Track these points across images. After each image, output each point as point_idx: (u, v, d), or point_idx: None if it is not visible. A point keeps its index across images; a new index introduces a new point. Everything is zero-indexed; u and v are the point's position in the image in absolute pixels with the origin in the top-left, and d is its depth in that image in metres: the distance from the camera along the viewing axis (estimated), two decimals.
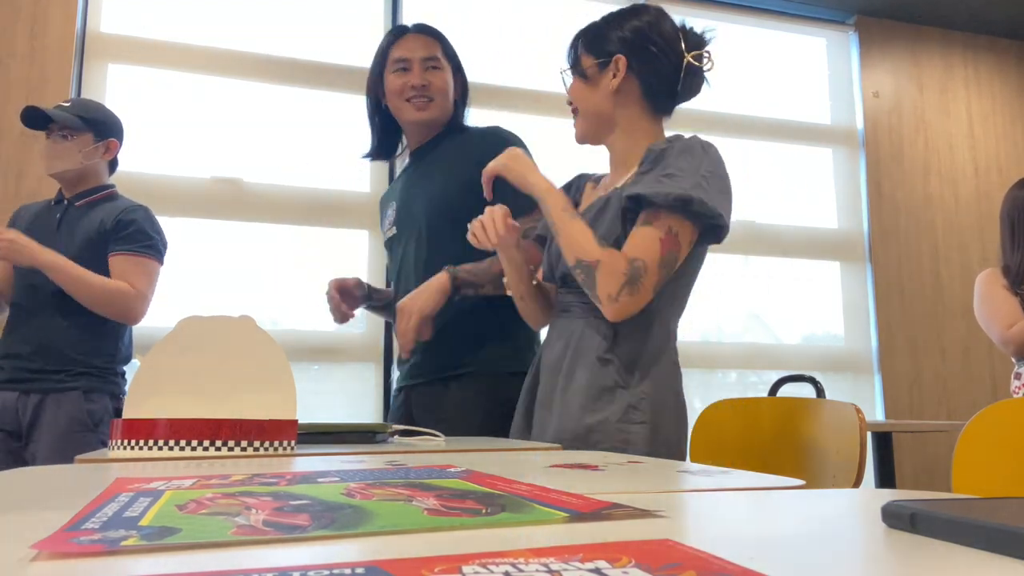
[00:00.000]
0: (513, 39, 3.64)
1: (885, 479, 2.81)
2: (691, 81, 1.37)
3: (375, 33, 3.47)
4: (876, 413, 3.94)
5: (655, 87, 1.36)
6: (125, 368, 2.10)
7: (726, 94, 3.92)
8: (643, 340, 1.29)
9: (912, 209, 4.16)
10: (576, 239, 1.25)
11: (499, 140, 1.69)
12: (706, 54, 1.37)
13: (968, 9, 4.21)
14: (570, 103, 1.43)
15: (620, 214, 1.27)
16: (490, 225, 1.36)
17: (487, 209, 1.39)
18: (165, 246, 2.11)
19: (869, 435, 2.51)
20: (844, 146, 4.18)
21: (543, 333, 1.71)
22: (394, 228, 1.79)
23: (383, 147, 1.87)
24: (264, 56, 3.28)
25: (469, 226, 1.41)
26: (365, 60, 3.46)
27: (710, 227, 1.26)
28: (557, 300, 1.44)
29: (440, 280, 1.57)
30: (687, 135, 1.32)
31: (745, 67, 4.03)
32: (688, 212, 1.22)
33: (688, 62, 1.34)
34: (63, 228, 2.03)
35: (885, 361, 3.96)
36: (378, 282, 3.23)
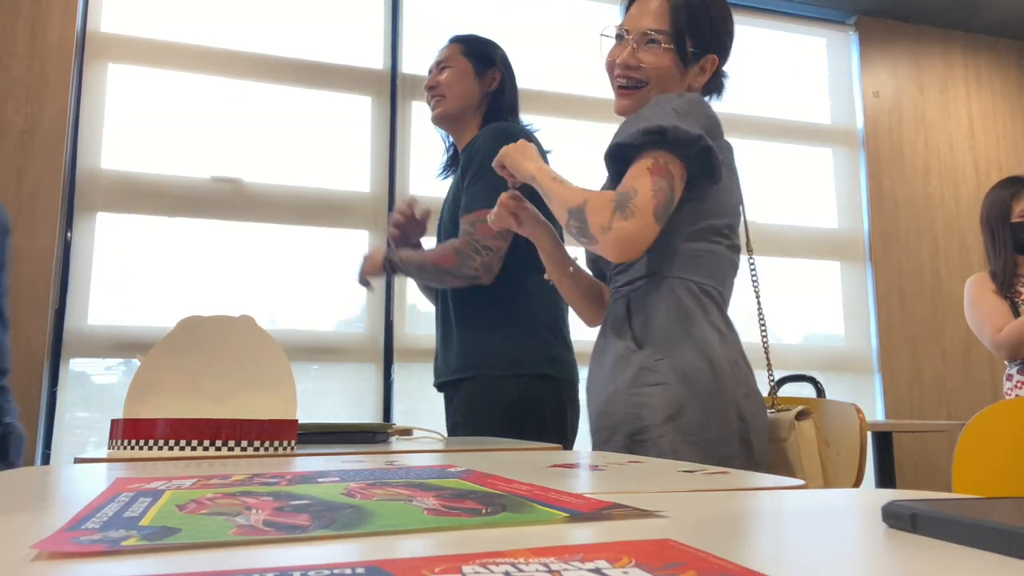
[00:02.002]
0: (514, 39, 3.64)
1: (885, 479, 2.81)
2: (720, 81, 1.41)
3: (375, 33, 3.48)
4: (876, 413, 3.94)
5: (709, 88, 1.38)
6: (5, 382, 1.82)
7: (726, 94, 3.92)
8: (659, 303, 1.23)
9: (912, 209, 4.16)
10: (561, 195, 1.20)
11: (496, 134, 1.74)
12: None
13: (968, 9, 4.21)
14: (632, 67, 1.31)
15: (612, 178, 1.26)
16: (497, 207, 1.37)
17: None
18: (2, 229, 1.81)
19: (869, 435, 2.51)
20: (844, 146, 4.18)
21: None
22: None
23: (449, 161, 1.98)
24: (264, 56, 3.28)
25: (487, 216, 1.42)
26: (365, 60, 3.49)
27: (701, 163, 1.19)
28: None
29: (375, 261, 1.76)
30: None
31: (745, 67, 4.03)
32: (668, 144, 1.16)
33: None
34: None
35: (885, 361, 3.96)
36: (377, 284, 3.23)
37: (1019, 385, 2.31)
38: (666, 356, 1.19)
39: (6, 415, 1.77)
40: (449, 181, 1.94)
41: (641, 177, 1.16)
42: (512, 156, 1.32)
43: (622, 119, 1.32)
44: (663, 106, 1.21)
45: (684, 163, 1.19)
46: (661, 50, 1.29)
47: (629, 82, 1.31)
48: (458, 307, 1.72)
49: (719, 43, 1.33)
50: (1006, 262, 2.34)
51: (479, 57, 1.85)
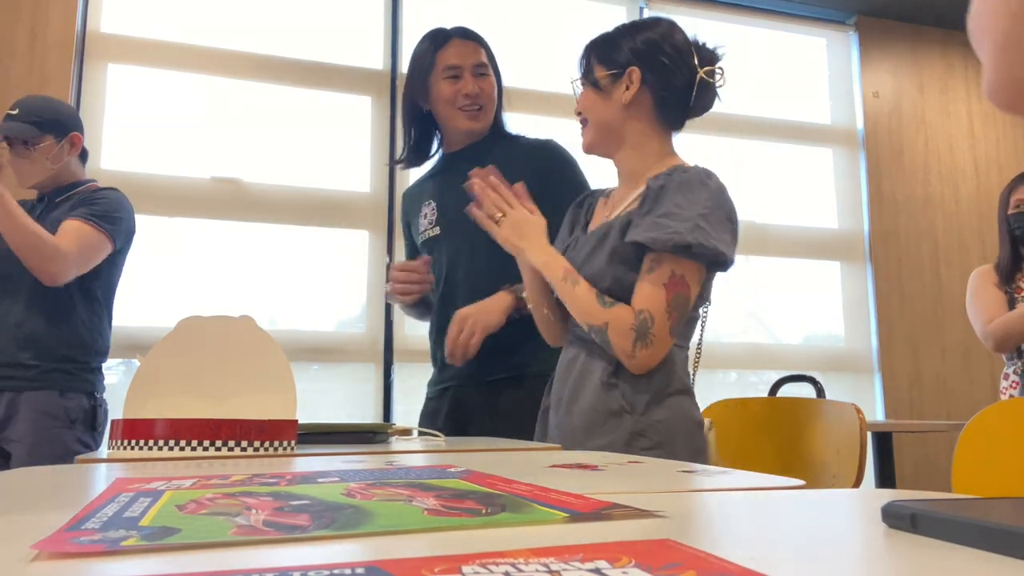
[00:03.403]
0: (514, 39, 3.64)
1: (885, 479, 2.81)
2: (704, 96, 1.36)
3: (375, 33, 3.48)
4: (876, 413, 3.94)
5: (668, 101, 1.34)
6: (103, 365, 2.04)
7: (726, 94, 3.91)
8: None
9: (912, 209, 4.16)
10: (582, 306, 1.26)
11: (550, 153, 1.72)
12: (719, 70, 1.35)
13: (968, 9, 4.20)
14: (579, 113, 1.41)
15: (611, 255, 1.28)
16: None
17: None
18: (129, 232, 2.02)
19: (869, 435, 2.51)
20: (844, 146, 4.18)
21: None
22: (437, 228, 1.77)
23: (417, 153, 1.85)
24: (264, 56, 3.28)
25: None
26: (365, 60, 3.49)
27: (715, 261, 1.26)
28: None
29: (505, 300, 1.60)
30: (689, 165, 1.31)
31: (745, 67, 4.03)
32: (689, 254, 1.21)
33: (701, 77, 1.33)
34: (41, 220, 1.94)
35: (885, 361, 3.96)
36: (378, 284, 3.23)
37: (1014, 385, 2.32)
38: (657, 422, 1.24)
39: (98, 391, 2.01)
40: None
41: (656, 296, 1.22)
42: (515, 247, 1.35)
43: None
44: (688, 197, 1.23)
45: (703, 265, 1.25)
46: (584, 88, 1.39)
47: (582, 124, 1.41)
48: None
49: (634, 53, 1.33)
50: (1007, 255, 2.36)
51: (495, 65, 1.81)
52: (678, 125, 1.39)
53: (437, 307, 1.79)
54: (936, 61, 4.38)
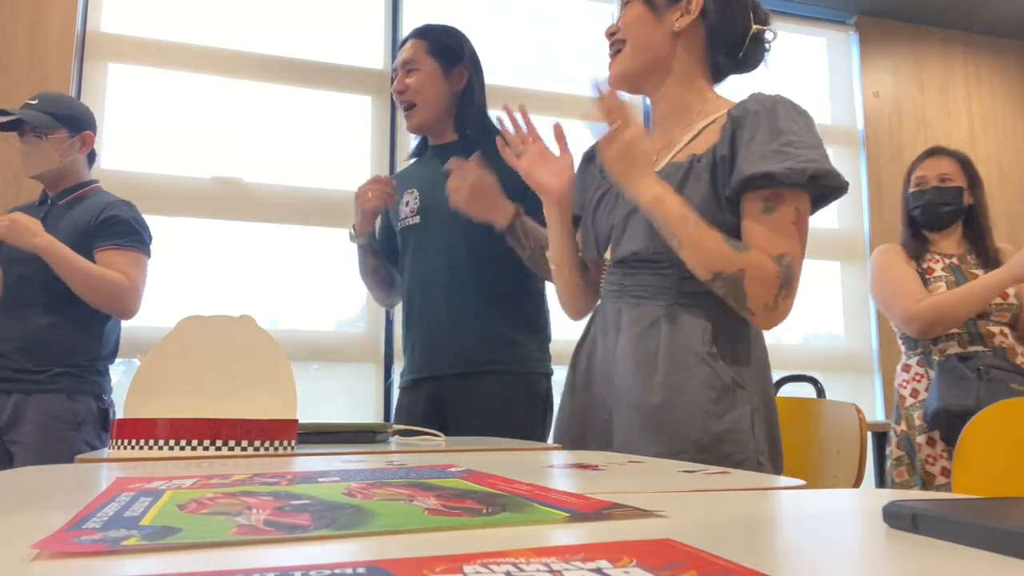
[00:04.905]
0: (515, 39, 3.64)
1: (885, 479, 2.81)
2: (755, 50, 1.23)
3: (375, 33, 3.48)
4: (876, 413, 3.94)
5: (721, 41, 1.21)
6: (110, 366, 2.06)
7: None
8: (738, 327, 1.13)
9: None
10: (709, 250, 1.06)
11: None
12: (771, 32, 1.24)
13: (968, 9, 4.21)
14: (612, 34, 1.25)
15: (711, 186, 1.10)
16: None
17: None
18: (151, 239, 2.09)
19: (869, 435, 2.51)
20: (844, 146, 4.18)
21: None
22: (417, 218, 1.77)
23: (420, 147, 1.89)
24: (264, 56, 3.28)
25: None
26: (365, 60, 3.49)
27: (838, 190, 1.10)
28: (607, 282, 1.24)
29: (508, 208, 1.55)
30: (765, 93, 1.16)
31: None
32: (810, 185, 1.06)
33: (756, 31, 1.21)
34: (47, 227, 1.98)
35: (885, 361, 3.95)
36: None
37: (918, 378, 2.08)
38: (760, 399, 1.12)
39: (106, 392, 2.02)
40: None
41: (791, 236, 1.07)
42: (615, 167, 1.13)
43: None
44: (802, 125, 1.09)
45: (816, 198, 1.12)
46: (633, 3, 1.23)
47: (612, 48, 1.25)
48: (477, 301, 1.68)
49: None
50: (910, 235, 2.21)
51: (444, 55, 1.76)
52: (722, 75, 1.26)
53: (411, 297, 1.77)
54: (936, 61, 4.38)
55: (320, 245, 3.23)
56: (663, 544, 0.32)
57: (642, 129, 1.14)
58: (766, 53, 1.25)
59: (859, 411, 1.47)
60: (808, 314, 3.96)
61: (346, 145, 3.34)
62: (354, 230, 1.79)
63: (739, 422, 1.06)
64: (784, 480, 0.62)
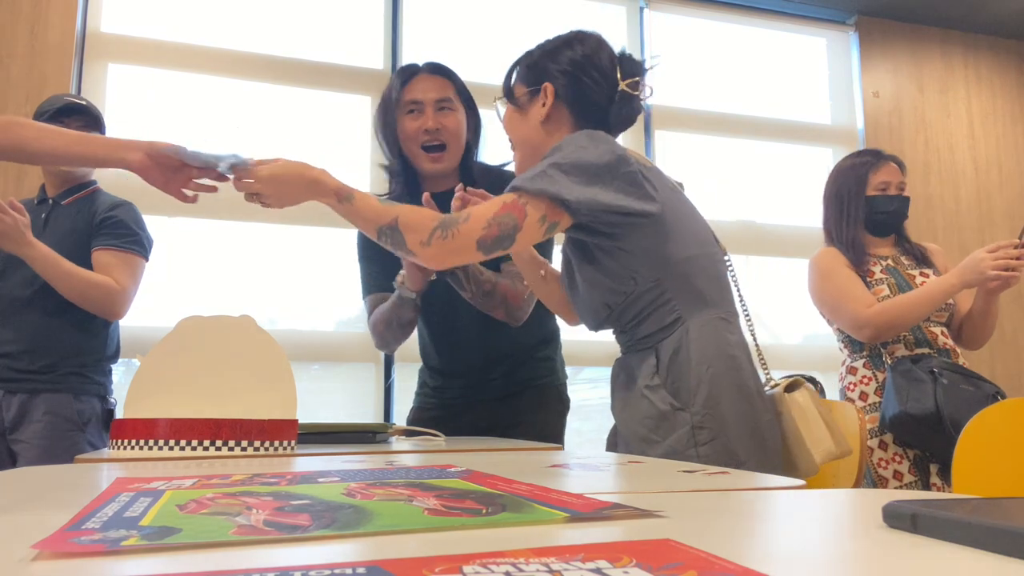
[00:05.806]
0: (515, 39, 3.64)
1: None
2: (625, 109, 1.31)
3: (375, 33, 3.48)
4: None
5: (585, 115, 1.30)
6: (112, 366, 2.08)
7: (726, 94, 3.92)
8: (681, 350, 1.19)
9: (912, 209, 4.14)
10: (365, 213, 1.29)
11: (496, 177, 1.66)
12: (643, 83, 1.32)
13: (968, 9, 4.21)
14: (510, 139, 1.39)
15: (568, 262, 1.29)
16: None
17: None
18: (150, 242, 2.09)
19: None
20: (844, 146, 4.18)
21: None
22: (433, 275, 1.63)
23: (407, 192, 1.71)
24: (264, 56, 3.28)
25: None
26: (365, 60, 3.49)
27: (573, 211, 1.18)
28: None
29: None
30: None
31: (745, 67, 4.03)
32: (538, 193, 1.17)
33: (622, 90, 1.29)
34: (49, 227, 2.00)
35: None
36: None
37: (865, 380, 1.98)
38: (708, 409, 1.15)
39: (110, 393, 2.05)
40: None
41: (492, 206, 1.18)
42: (278, 196, 1.42)
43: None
44: (555, 151, 1.21)
45: (559, 209, 1.17)
46: (506, 107, 1.38)
47: (511, 147, 1.41)
48: (511, 343, 1.69)
49: (552, 70, 1.31)
50: (855, 238, 2.07)
51: (466, 100, 1.70)
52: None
53: (437, 347, 1.76)
54: (936, 61, 4.38)
55: (320, 245, 3.23)
56: (662, 544, 0.32)
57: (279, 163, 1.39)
58: (644, 104, 1.35)
59: (859, 411, 1.48)
60: (808, 314, 3.95)
61: (346, 145, 3.34)
62: (404, 282, 1.59)
63: (677, 444, 1.14)
64: (784, 480, 0.62)
